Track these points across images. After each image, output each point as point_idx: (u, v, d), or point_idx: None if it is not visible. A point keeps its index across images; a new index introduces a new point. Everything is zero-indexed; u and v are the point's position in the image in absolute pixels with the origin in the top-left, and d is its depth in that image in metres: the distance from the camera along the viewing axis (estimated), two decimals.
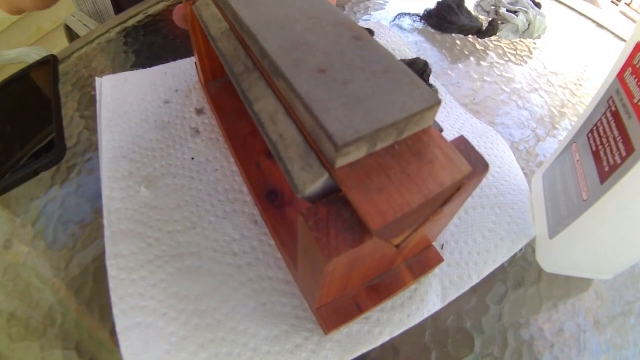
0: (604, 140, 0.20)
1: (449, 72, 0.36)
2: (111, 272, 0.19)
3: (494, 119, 0.31)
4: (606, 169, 0.19)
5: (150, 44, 0.36)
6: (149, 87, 0.30)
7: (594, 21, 0.54)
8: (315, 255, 0.13)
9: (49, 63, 0.32)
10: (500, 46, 0.40)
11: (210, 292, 0.19)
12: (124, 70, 0.32)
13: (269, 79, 0.16)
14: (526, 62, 0.39)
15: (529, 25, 0.41)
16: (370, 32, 0.37)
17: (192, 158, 0.26)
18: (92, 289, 0.20)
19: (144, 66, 0.32)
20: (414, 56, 0.35)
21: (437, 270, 0.22)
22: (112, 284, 0.19)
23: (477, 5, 0.44)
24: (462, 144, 0.15)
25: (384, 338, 0.20)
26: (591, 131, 0.21)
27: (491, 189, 0.26)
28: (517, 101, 0.34)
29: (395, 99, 0.13)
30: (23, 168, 0.23)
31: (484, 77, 0.36)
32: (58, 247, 0.21)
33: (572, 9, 0.54)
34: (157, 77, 0.30)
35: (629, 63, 0.19)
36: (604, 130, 0.20)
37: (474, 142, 0.28)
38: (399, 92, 0.14)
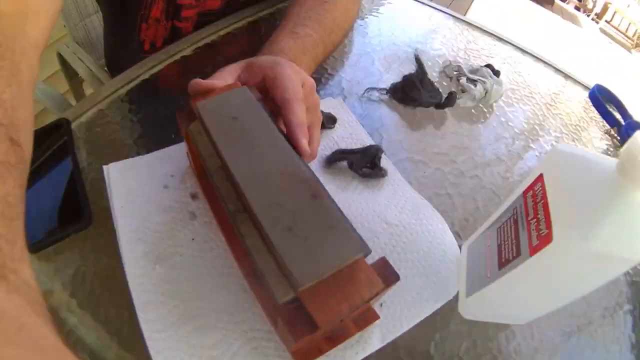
0: (505, 238, 0.28)
1: (405, 146, 0.42)
2: (146, 333, 0.26)
3: (440, 190, 0.39)
4: (503, 260, 0.27)
5: (155, 105, 0.41)
6: (149, 173, 0.34)
7: (556, 69, 0.63)
8: (288, 337, 0.21)
9: (62, 126, 0.36)
10: (457, 113, 0.47)
11: (218, 343, 0.27)
12: (131, 138, 0.37)
13: (254, 221, 0.23)
14: (480, 132, 0.46)
15: (485, 93, 0.48)
16: (333, 119, 0.42)
17: (193, 239, 0.31)
18: (129, 334, 0.26)
19: (149, 134, 0.37)
20: (370, 141, 0.40)
21: (377, 321, 0.29)
22: (148, 343, 0.26)
23: (442, 71, 0.50)
24: (382, 265, 0.24)
25: None
26: (500, 227, 0.29)
27: (420, 262, 0.33)
28: (466, 172, 0.41)
29: (338, 251, 0.21)
30: (57, 233, 0.29)
31: (437, 149, 0.42)
32: (95, 296, 0.27)
33: (536, 57, 0.62)
34: (155, 163, 0.35)
35: (531, 187, 0.26)
36: (506, 230, 0.28)
37: (414, 218, 0.36)
38: (341, 245, 0.21)
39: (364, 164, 0.37)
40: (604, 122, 0.58)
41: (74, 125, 0.38)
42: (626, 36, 2.98)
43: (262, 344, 0.27)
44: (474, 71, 0.49)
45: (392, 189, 0.37)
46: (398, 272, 0.24)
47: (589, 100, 0.60)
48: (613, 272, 0.23)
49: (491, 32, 0.66)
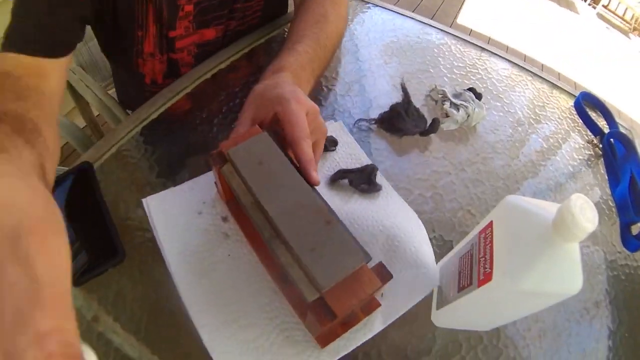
0: (464, 268, 0.33)
1: (391, 174, 0.47)
2: (203, 336, 0.33)
3: (421, 215, 0.44)
4: (461, 285, 0.33)
5: (168, 142, 0.46)
6: (183, 202, 0.40)
7: (543, 78, 0.65)
8: (317, 325, 0.29)
9: (86, 169, 0.42)
10: (441, 136, 0.52)
11: (259, 336, 0.34)
12: (150, 176, 0.42)
13: (285, 244, 0.30)
14: (461, 155, 0.51)
15: (468, 117, 0.52)
16: (334, 142, 0.48)
17: (229, 255, 0.38)
18: (167, 349, 0.33)
19: (166, 171, 0.43)
20: (367, 159, 0.47)
21: (379, 308, 0.36)
22: (206, 343, 0.33)
23: (428, 95, 0.54)
24: (379, 268, 0.31)
25: (352, 347, 0.35)
26: (462, 257, 0.34)
27: (411, 257, 0.40)
28: (445, 196, 0.46)
29: (347, 262, 0.29)
30: (96, 268, 0.35)
31: (420, 175, 0.48)
32: (136, 318, 0.34)
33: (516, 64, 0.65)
34: (187, 193, 0.41)
35: (484, 230, 0.32)
36: (465, 261, 0.33)
37: (404, 222, 0.42)
38: (349, 258, 0.29)
39: (362, 181, 0.44)
40: (588, 130, 0.62)
41: (97, 165, 0.44)
42: (624, 20, 2.88)
43: (293, 333, 0.35)
44: (457, 95, 0.53)
45: (386, 200, 0.44)
46: (394, 266, 0.32)
47: (574, 108, 0.64)
48: (544, 304, 0.29)
49: (478, 44, 0.68)
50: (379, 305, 0.35)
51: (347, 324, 0.35)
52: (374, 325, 0.36)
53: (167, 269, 0.36)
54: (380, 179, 0.46)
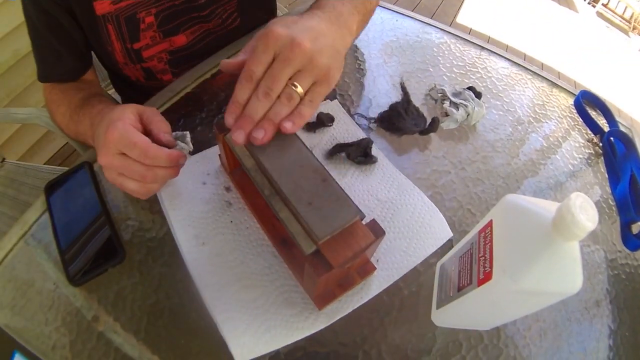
0: (464, 267, 0.33)
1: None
2: (205, 295, 0.35)
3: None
4: (461, 284, 0.33)
5: None
6: (189, 173, 0.42)
7: (543, 77, 0.65)
8: (314, 276, 0.30)
9: (85, 169, 0.42)
10: (441, 135, 0.52)
11: (259, 296, 0.36)
12: None
13: (284, 200, 0.31)
14: (461, 153, 0.51)
15: (467, 116, 0.52)
16: (331, 118, 0.49)
17: (231, 221, 0.40)
18: (167, 348, 0.33)
19: None
20: (362, 134, 0.49)
21: (374, 273, 0.38)
22: (209, 301, 0.35)
23: (427, 94, 0.54)
24: (373, 224, 0.32)
25: (349, 310, 0.37)
26: (462, 256, 0.34)
27: (405, 227, 0.42)
28: (445, 195, 0.46)
29: (342, 216, 0.30)
30: (96, 269, 0.36)
31: (420, 175, 0.47)
32: (136, 318, 0.34)
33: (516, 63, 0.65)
34: (192, 165, 0.43)
35: (484, 229, 0.32)
36: (465, 261, 0.33)
37: (398, 195, 0.44)
38: (344, 212, 0.30)
39: (359, 153, 0.45)
40: (588, 129, 0.62)
41: (95, 167, 0.43)
42: (624, 19, 2.87)
43: (291, 295, 0.37)
44: (457, 94, 0.53)
45: (382, 172, 0.46)
46: (388, 235, 0.33)
47: (574, 106, 0.63)
48: (544, 302, 0.29)
49: (477, 42, 0.68)
50: (375, 269, 0.37)
51: (344, 286, 0.36)
52: (370, 289, 0.38)
53: (166, 266, 0.37)
54: (375, 151, 0.47)
